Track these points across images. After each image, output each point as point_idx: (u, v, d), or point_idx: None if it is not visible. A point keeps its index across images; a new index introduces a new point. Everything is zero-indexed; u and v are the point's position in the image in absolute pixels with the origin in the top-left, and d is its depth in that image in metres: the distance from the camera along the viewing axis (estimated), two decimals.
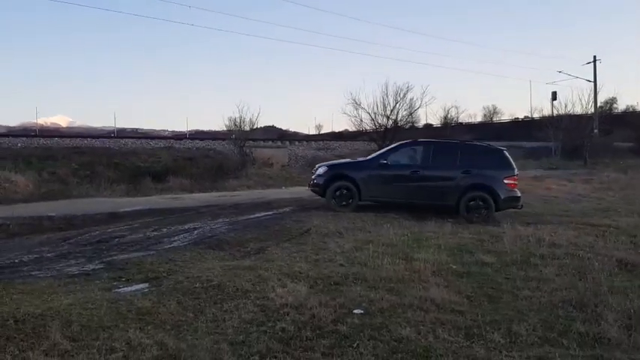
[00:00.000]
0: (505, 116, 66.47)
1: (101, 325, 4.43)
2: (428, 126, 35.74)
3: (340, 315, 4.74)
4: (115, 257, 7.33)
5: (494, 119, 65.97)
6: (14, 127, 53.88)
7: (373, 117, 26.54)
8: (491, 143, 13.73)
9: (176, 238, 8.95)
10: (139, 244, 8.42)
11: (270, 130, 53.33)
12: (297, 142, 32.99)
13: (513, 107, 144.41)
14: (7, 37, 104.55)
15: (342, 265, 6.75)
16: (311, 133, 59.65)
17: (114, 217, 11.05)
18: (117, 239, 8.86)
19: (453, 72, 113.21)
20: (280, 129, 59.94)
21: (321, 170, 11.85)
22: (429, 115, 44.71)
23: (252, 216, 11.04)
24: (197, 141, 28.77)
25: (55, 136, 26.55)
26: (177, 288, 5.53)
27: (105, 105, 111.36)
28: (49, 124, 61.15)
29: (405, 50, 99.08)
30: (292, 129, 62.65)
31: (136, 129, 60.94)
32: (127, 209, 11.79)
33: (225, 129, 24.81)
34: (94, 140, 25.14)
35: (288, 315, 4.77)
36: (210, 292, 5.43)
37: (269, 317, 4.75)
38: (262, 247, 7.89)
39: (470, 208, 11.29)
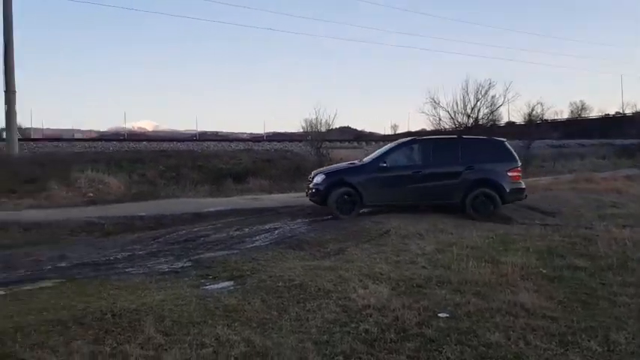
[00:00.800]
0: (594, 112, 63.08)
1: (191, 320, 4.60)
2: (510, 124, 34.36)
3: (425, 318, 4.65)
4: (201, 256, 7.61)
5: (582, 115, 62.72)
6: (105, 131, 57.20)
7: (452, 115, 26.00)
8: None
9: (258, 237, 9.17)
10: (223, 243, 8.70)
11: (346, 130, 53.41)
12: (373, 143, 32.84)
13: (603, 103, 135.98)
14: (97, 48, 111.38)
15: (424, 267, 6.63)
16: (387, 133, 59.18)
17: (198, 217, 11.47)
18: (202, 238, 9.21)
19: (538, 67, 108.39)
20: (356, 129, 59.86)
21: (318, 178, 11.20)
22: (512, 113, 43.07)
23: (330, 217, 11.10)
24: (275, 143, 29.36)
25: (143, 140, 28.00)
26: (260, 286, 5.65)
27: (187, 109, 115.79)
28: (136, 128, 64.43)
29: (487, 46, 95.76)
30: (368, 129, 62.39)
31: (216, 132, 62.96)
32: (210, 209, 12.20)
33: (301, 130, 25.13)
34: (178, 143, 26.25)
35: (370, 316, 4.73)
36: (293, 291, 5.50)
37: (351, 318, 4.73)
38: (342, 247, 7.90)
39: (476, 205, 11.05)
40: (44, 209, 12.28)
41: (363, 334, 4.34)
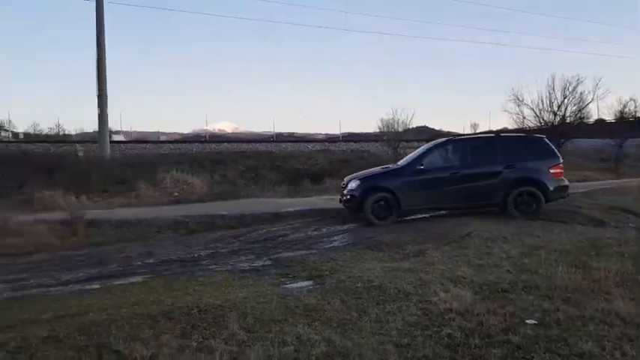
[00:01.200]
0: None
1: (272, 318, 4.68)
2: (600, 122, 32.42)
3: (511, 324, 4.46)
4: (280, 255, 7.75)
5: None
6: (188, 133, 59.56)
7: (537, 113, 25.05)
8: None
9: (335, 237, 9.21)
10: (301, 243, 8.81)
11: (423, 130, 52.43)
12: None
13: None
14: (180, 52, 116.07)
15: (509, 271, 6.38)
16: (466, 132, 57.62)
17: (277, 216, 11.66)
18: (281, 238, 9.36)
19: (631, 62, 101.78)
20: (433, 129, 58.70)
21: (353, 184, 10.79)
22: (602, 110, 40.63)
23: (408, 218, 10.95)
24: (351, 143, 29.38)
25: (224, 142, 28.90)
26: (339, 287, 5.66)
27: (265, 111, 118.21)
28: (216, 130, 66.57)
29: (574, 40, 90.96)
30: (445, 129, 61.01)
31: (292, 133, 63.88)
32: (288, 209, 12.37)
33: (377, 130, 24.98)
34: (257, 144, 26.89)
35: (453, 321, 4.61)
36: (372, 292, 5.46)
37: (433, 322, 4.63)
38: (421, 249, 7.77)
39: (518, 204, 10.66)
40: (134, 208, 12.94)
41: (446, 338, 4.23)
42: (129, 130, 48.44)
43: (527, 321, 4.56)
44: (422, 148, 12.03)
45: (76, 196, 13.72)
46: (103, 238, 9.78)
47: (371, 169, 12.12)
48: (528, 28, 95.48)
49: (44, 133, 50.70)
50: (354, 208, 10.70)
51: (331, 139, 40.20)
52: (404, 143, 23.42)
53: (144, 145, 25.15)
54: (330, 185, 17.57)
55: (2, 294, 6.00)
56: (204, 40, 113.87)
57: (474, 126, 60.54)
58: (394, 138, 22.78)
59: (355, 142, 30.29)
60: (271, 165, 20.62)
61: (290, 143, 28.47)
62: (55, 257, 8.29)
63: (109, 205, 13.66)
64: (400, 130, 23.41)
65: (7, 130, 51.95)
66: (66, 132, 49.70)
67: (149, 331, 4.31)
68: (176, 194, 15.52)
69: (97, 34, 20.82)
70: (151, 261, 7.83)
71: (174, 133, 59.91)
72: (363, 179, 10.82)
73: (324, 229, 10.05)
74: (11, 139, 38.28)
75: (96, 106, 20.71)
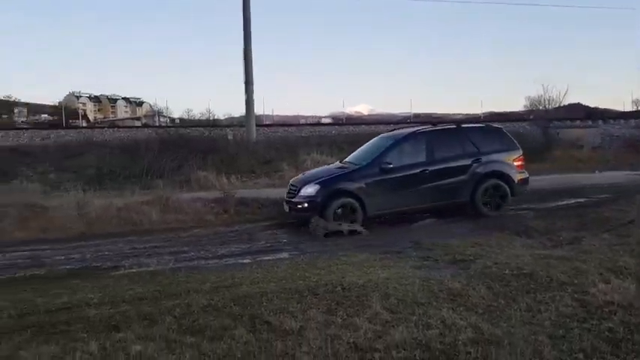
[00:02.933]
0: None
1: (415, 301, 4.65)
2: None
3: None
4: (421, 239, 7.65)
5: None
6: (326, 116, 60.91)
7: None
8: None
9: (473, 222, 8.92)
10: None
11: (575, 107, 48.33)
12: (611, 121, 29.20)
13: None
14: (316, 38, 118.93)
15: None
16: (626, 109, 52.06)
17: None
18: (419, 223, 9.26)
19: None
20: (587, 106, 53.84)
21: (310, 189, 9.21)
22: None
23: (560, 203, 10.25)
24: (496, 123, 27.99)
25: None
26: (485, 273, 5.45)
27: (401, 92, 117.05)
28: (353, 112, 67.39)
29: None
30: (602, 106, 55.59)
31: (430, 114, 62.47)
32: None
33: (523, 109, 23.51)
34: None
35: (614, 314, 4.22)
36: (522, 280, 5.19)
37: (591, 314, 4.28)
38: (576, 237, 7.20)
39: (485, 200, 9.69)
40: (277, 188, 13.58)
41: (606, 332, 3.89)
42: (271, 114, 50.68)
43: None
44: (377, 142, 10.55)
45: (227, 176, 14.72)
46: (251, 216, 10.40)
47: (322, 169, 10.78)
48: None
49: (196, 118, 55.08)
50: (312, 215, 8.98)
51: (471, 119, 38.63)
52: (555, 122, 21.76)
53: (286, 128, 26.22)
54: None
55: (168, 264, 6.66)
56: (339, 24, 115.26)
57: (637, 102, 54.55)
58: (544, 117, 21.25)
59: (500, 122, 28.78)
60: None
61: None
62: (210, 232, 9.01)
63: (256, 185, 14.48)
64: (550, 108, 21.80)
65: (165, 116, 57.25)
66: (215, 117, 53.38)
67: (297, 305, 4.51)
68: None
69: (243, 24, 21.95)
70: (295, 239, 8.17)
71: (313, 116, 61.63)
72: (324, 182, 9.31)
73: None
74: (169, 124, 42.13)
75: (242, 93, 21.92)
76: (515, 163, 10.02)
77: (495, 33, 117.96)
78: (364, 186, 9.16)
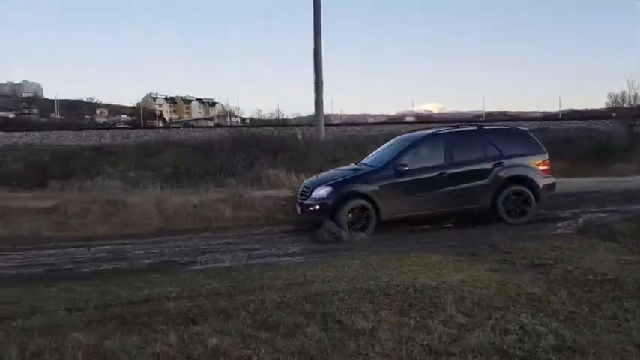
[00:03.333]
0: None
1: (492, 305, 4.52)
2: None
3: None
4: (497, 240, 7.43)
5: None
6: (394, 115, 60.36)
7: None
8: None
9: (560, 224, 8.59)
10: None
11: None
12: None
13: None
14: (384, 36, 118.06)
15: None
16: None
17: None
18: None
19: None
20: None
21: (322, 191, 8.88)
22: None
23: None
24: (575, 121, 26.76)
25: (431, 122, 28.65)
26: (566, 278, 5.23)
27: (473, 89, 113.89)
28: (422, 111, 66.30)
29: None
30: None
31: (504, 111, 60.49)
32: None
33: (605, 106, 22.30)
34: (467, 124, 26.07)
35: None
36: (606, 286, 4.93)
37: None
38: None
39: (508, 207, 9.06)
40: None
41: None
42: (339, 113, 50.81)
43: None
44: (393, 143, 10.16)
45: (296, 175, 14.87)
46: None
47: (335, 171, 10.32)
48: None
49: (266, 118, 56.17)
50: (324, 218, 8.70)
51: (548, 117, 37.06)
52: None
53: (355, 127, 26.20)
54: (551, 167, 16.24)
55: (241, 261, 6.81)
56: (406, 20, 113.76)
57: None
58: (628, 114, 20.05)
59: (581, 119, 27.45)
60: None
61: (502, 122, 26.98)
62: (281, 230, 9.16)
63: None
64: (635, 104, 20.54)
65: (236, 116, 58.79)
66: (284, 117, 54.20)
67: (369, 305, 4.48)
68: None
69: (314, 24, 22.11)
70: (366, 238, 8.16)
71: (381, 115, 61.22)
72: (336, 184, 8.99)
73: (545, 213, 9.39)
74: (239, 124, 43.30)
75: (311, 93, 22.11)
76: (541, 168, 9.48)
77: (574, 22, 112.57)
78: (378, 189, 8.81)
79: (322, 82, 22.11)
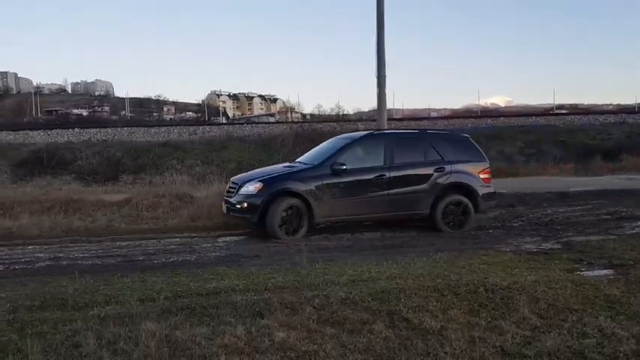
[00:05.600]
0: None
1: (567, 306, 4.32)
2: None
3: None
4: (571, 238, 7.13)
5: None
6: (458, 109, 59.11)
7: None
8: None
9: (639, 223, 8.06)
10: (595, 227, 8.00)
11: None
12: None
13: None
14: (448, 28, 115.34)
15: None
16: None
17: (563, 196, 10.76)
18: (570, 219, 8.62)
19: None
20: None
21: (250, 187, 8.26)
22: None
23: None
24: None
25: (498, 116, 27.84)
26: None
27: (542, 82, 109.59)
28: (488, 104, 64.55)
29: None
30: None
31: (575, 104, 57.97)
32: (577, 189, 11.31)
33: None
34: (537, 118, 25.19)
35: None
36: None
37: None
38: None
39: (446, 215, 8.62)
40: None
41: None
42: (400, 107, 50.29)
43: None
44: (333, 142, 9.51)
45: None
46: None
47: (268, 168, 9.83)
48: None
49: (326, 113, 56.42)
50: (252, 219, 8.22)
51: (624, 110, 35.16)
52: None
53: (418, 121, 25.86)
54: (628, 163, 15.49)
55: (305, 255, 6.81)
56: (471, 13, 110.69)
57: None
58: None
59: None
60: (554, 140, 19.11)
61: (577, 116, 25.85)
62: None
63: None
64: None
65: (296, 112, 59.41)
66: (345, 112, 54.21)
67: (436, 304, 4.37)
68: None
69: (377, 17, 21.87)
70: (428, 236, 8.00)
71: (445, 109, 60.09)
72: (267, 180, 8.38)
73: (624, 212, 8.88)
74: (300, 120, 43.79)
75: (371, 87, 21.98)
76: (481, 176, 9.01)
77: None
78: (313, 189, 8.20)
79: (385, 76, 21.81)
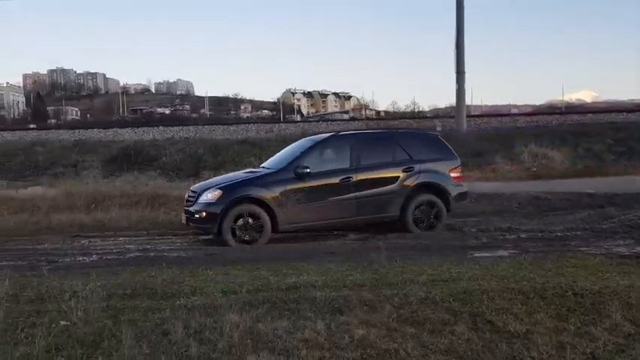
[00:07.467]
0: None
1: None
2: None
3: None
4: None
5: None
6: (540, 105, 56.77)
7: None
8: None
9: None
10: None
11: None
12: None
13: None
14: (529, 22, 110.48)
15: None
16: None
17: None
18: None
19: None
20: None
21: (209, 195, 7.87)
22: None
23: None
24: None
25: (586, 112, 26.49)
26: None
27: (631, 76, 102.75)
28: (573, 100, 61.47)
29: None
30: None
31: None
32: None
33: None
34: (629, 114, 23.73)
35: None
36: None
37: None
38: None
39: (417, 217, 8.43)
40: (491, 182, 13.03)
41: None
42: (479, 104, 48.95)
43: None
44: (297, 145, 9.27)
45: None
46: (463, 210, 10.11)
47: (230, 174, 9.42)
48: None
49: (401, 110, 55.90)
50: (210, 229, 7.91)
51: None
52: None
53: (499, 118, 25.11)
54: None
55: (382, 253, 6.78)
56: (554, 3, 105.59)
57: None
58: None
59: None
60: None
61: None
62: None
63: (467, 178, 14.05)
64: None
65: (371, 109, 59.28)
66: (420, 109, 53.47)
67: (521, 307, 4.21)
68: (534, 169, 15.00)
69: (457, 12, 21.49)
70: (513, 236, 7.73)
71: (526, 105, 57.91)
72: (227, 187, 8.05)
73: None
74: (373, 117, 43.68)
75: (451, 83, 21.59)
76: (453, 175, 8.78)
77: None
78: (276, 194, 7.90)
79: (464, 72, 21.47)
